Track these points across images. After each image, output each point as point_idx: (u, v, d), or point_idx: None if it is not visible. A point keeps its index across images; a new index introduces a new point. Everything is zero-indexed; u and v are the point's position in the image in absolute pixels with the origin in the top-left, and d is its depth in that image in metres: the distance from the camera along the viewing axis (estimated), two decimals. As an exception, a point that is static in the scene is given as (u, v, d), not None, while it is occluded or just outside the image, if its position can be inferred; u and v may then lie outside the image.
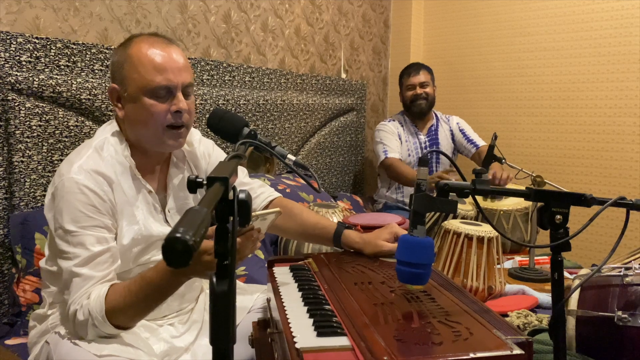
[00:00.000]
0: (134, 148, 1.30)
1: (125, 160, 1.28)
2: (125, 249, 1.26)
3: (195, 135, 1.46)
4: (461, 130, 3.06)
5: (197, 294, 1.47)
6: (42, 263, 1.33)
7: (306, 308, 1.02)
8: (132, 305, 1.13)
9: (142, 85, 1.22)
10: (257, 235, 1.12)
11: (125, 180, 1.27)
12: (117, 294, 1.13)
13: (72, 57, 1.86)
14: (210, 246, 1.05)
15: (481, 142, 3.01)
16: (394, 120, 3.07)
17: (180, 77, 1.25)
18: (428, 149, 2.99)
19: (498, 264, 1.78)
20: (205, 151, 1.47)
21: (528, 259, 2.09)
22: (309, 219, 1.50)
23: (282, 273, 1.27)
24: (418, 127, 3.06)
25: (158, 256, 1.31)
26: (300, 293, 1.11)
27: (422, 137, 3.04)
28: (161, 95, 1.24)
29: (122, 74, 1.26)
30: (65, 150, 1.84)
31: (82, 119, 1.88)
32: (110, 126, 1.32)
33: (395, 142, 2.97)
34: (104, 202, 1.20)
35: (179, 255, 0.50)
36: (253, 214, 1.08)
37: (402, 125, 3.05)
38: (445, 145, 3.06)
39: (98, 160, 1.24)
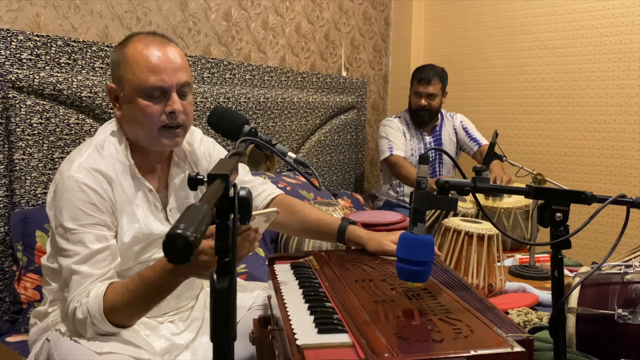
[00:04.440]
0: (133, 147, 1.30)
1: (125, 159, 1.28)
2: (126, 247, 1.26)
3: (196, 135, 1.46)
4: (464, 128, 3.06)
5: (197, 292, 1.47)
6: (43, 260, 1.33)
7: (307, 305, 1.02)
8: (130, 304, 1.13)
9: (136, 85, 1.22)
10: (255, 235, 1.12)
11: (125, 179, 1.27)
12: (115, 293, 1.13)
13: (73, 55, 1.86)
14: (207, 246, 1.06)
15: (484, 141, 3.00)
16: (399, 117, 3.06)
17: (174, 77, 1.23)
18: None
19: (498, 261, 1.78)
20: (206, 151, 1.47)
21: (528, 256, 2.09)
22: (311, 215, 1.50)
23: (283, 270, 1.27)
24: (423, 129, 3.04)
25: (158, 254, 1.31)
26: (301, 290, 1.11)
27: (428, 138, 3.03)
28: (155, 95, 1.23)
29: (118, 74, 1.25)
30: (66, 148, 1.84)
31: (83, 116, 1.88)
32: (111, 125, 1.33)
33: (400, 139, 2.95)
34: (104, 200, 1.20)
35: (179, 251, 0.50)
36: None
37: (407, 124, 3.04)
38: (449, 144, 3.05)
39: (98, 158, 1.24)
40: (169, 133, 1.26)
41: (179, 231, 0.50)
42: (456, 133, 3.07)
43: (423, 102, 2.92)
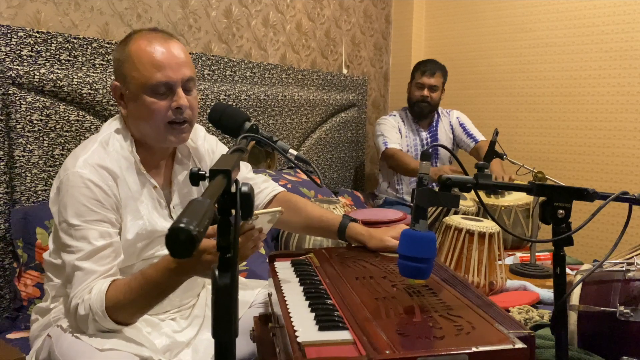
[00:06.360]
0: (138, 143, 1.30)
1: (130, 155, 1.28)
2: (129, 243, 1.26)
3: (199, 132, 1.46)
4: (461, 125, 3.06)
5: (198, 290, 1.47)
6: (46, 255, 1.33)
7: (308, 302, 1.02)
8: (132, 302, 1.12)
9: (141, 82, 1.22)
10: (258, 235, 1.11)
11: (130, 175, 1.27)
12: (117, 290, 1.13)
13: (73, 52, 1.85)
14: (210, 245, 1.05)
15: (480, 137, 3.00)
16: (395, 115, 3.07)
17: (179, 72, 1.24)
18: (429, 144, 2.98)
19: (499, 259, 1.78)
20: (209, 148, 1.47)
21: (529, 255, 2.09)
22: (313, 212, 1.50)
23: (284, 268, 1.27)
24: (420, 124, 3.05)
25: (162, 251, 1.30)
26: (301, 287, 1.11)
27: (424, 134, 3.04)
28: (161, 92, 1.23)
29: (123, 72, 1.25)
30: (67, 145, 1.84)
31: (83, 113, 1.88)
32: (116, 121, 1.33)
33: (395, 134, 2.96)
34: (108, 196, 1.20)
35: (182, 245, 0.50)
36: (254, 213, 1.07)
37: (404, 121, 3.04)
38: (445, 140, 3.05)
39: (103, 154, 1.24)
40: (176, 129, 1.27)
41: (182, 225, 0.50)
42: (453, 130, 3.07)
43: (425, 92, 2.94)
